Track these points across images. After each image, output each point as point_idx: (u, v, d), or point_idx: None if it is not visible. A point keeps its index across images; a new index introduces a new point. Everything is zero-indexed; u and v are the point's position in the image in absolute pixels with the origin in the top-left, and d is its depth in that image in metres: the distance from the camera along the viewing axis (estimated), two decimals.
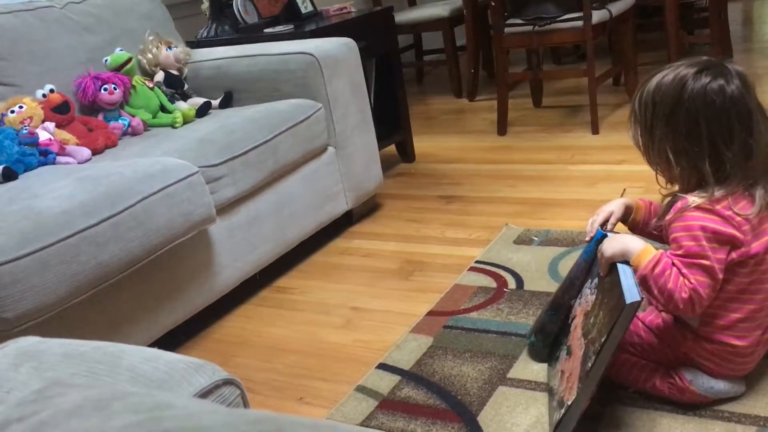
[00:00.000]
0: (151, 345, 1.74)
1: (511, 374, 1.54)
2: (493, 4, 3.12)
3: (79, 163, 2.01)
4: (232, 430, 0.55)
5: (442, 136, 3.47)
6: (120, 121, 2.26)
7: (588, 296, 1.40)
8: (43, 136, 2.02)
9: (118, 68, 2.35)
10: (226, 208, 1.99)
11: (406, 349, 1.71)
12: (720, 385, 1.33)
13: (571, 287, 1.50)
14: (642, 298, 1.20)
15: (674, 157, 1.28)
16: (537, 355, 1.58)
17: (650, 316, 1.41)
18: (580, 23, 2.95)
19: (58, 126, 2.09)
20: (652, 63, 3.63)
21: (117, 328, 1.70)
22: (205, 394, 0.78)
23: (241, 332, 1.98)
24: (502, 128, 3.29)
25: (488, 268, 2.03)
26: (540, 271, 1.96)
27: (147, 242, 1.68)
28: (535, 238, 2.16)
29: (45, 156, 1.98)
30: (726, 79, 1.24)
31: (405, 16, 4.05)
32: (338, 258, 2.34)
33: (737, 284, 1.27)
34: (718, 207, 1.24)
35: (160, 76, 2.46)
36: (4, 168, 1.84)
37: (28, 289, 1.46)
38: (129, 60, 2.37)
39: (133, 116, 2.31)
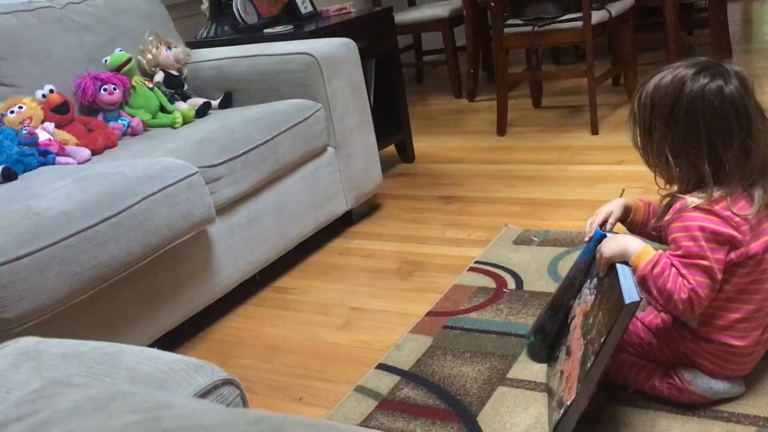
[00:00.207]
0: (151, 345, 1.74)
1: (510, 374, 1.55)
2: (493, 4, 3.12)
3: (78, 163, 2.01)
4: (232, 429, 0.55)
5: (441, 137, 3.47)
6: (120, 121, 2.26)
7: (587, 296, 1.40)
8: (43, 136, 2.02)
9: (118, 68, 2.35)
10: (225, 208, 1.99)
11: (406, 350, 1.71)
12: (719, 386, 1.33)
13: (571, 287, 1.50)
14: (641, 299, 1.20)
15: (673, 158, 1.28)
16: (536, 356, 1.58)
17: (649, 317, 1.41)
18: (579, 23, 2.95)
19: (57, 126, 2.10)
20: (651, 63, 3.62)
21: (116, 328, 1.70)
22: (204, 394, 0.78)
23: (240, 332, 1.98)
24: (501, 128, 3.29)
25: (488, 268, 2.03)
26: (539, 272, 1.96)
27: (147, 242, 1.68)
28: (535, 239, 2.16)
29: (45, 156, 1.98)
30: (724, 80, 1.24)
31: (405, 16, 4.05)
32: (338, 258, 2.34)
33: (736, 284, 1.27)
34: (716, 207, 1.24)
35: (159, 76, 2.47)
36: (3, 168, 1.84)
37: (27, 289, 1.46)
38: (129, 60, 2.37)
39: (132, 116, 2.31)
